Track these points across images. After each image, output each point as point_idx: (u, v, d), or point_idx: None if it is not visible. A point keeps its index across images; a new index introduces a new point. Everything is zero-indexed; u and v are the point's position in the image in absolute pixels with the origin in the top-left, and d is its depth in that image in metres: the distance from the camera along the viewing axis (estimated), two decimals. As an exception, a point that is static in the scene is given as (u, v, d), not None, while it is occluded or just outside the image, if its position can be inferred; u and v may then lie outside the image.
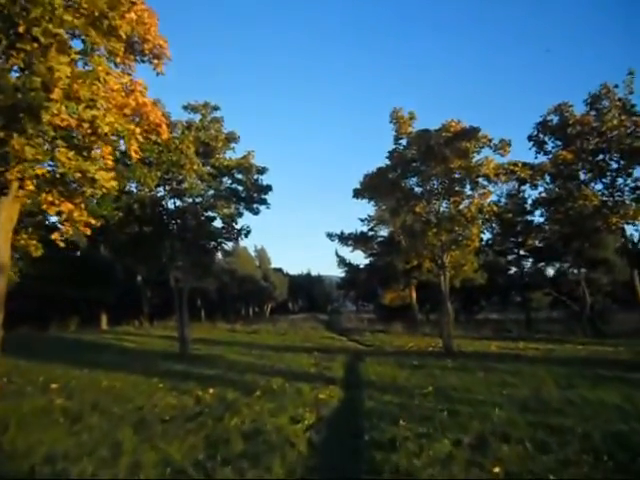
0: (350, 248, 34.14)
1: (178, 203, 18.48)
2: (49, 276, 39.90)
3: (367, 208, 46.72)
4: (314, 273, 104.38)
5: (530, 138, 19.35)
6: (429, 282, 35.66)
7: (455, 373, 13.01)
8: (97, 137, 8.09)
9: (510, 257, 35.18)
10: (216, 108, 19.31)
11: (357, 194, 18.75)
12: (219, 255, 68.10)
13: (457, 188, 17.21)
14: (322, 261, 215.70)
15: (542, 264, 33.90)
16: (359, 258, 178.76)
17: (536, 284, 34.63)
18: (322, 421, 7.79)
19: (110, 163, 8.58)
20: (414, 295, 31.79)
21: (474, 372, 12.99)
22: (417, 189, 18.43)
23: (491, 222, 18.13)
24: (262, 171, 19.53)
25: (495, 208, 17.46)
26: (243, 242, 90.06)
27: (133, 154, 8.97)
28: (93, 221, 9.22)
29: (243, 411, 8.18)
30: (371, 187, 18.42)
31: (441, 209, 17.69)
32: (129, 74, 10.08)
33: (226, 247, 19.73)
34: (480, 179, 17.37)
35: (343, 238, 33.20)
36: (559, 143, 18.86)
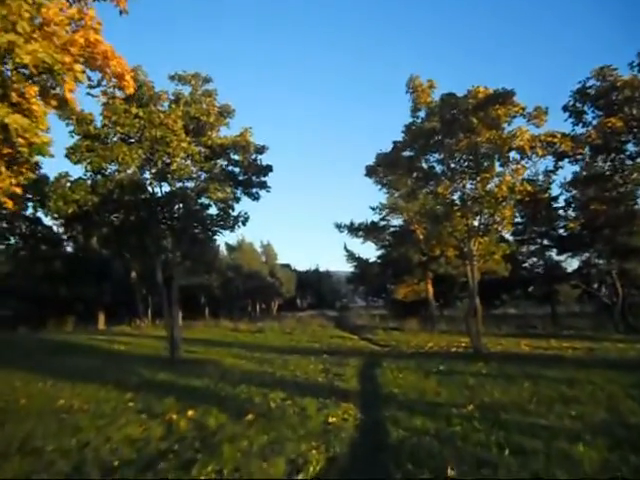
0: (360, 240, 31.77)
1: (166, 188, 16.23)
2: (42, 275, 38.04)
3: (379, 196, 43.99)
4: (322, 269, 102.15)
5: (566, 108, 16.87)
6: (445, 275, 33.31)
7: (494, 382, 10.66)
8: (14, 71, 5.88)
9: (533, 247, 32.61)
10: (207, 80, 17.04)
11: (370, 172, 16.40)
12: (223, 250, 66.61)
13: (486, 164, 14.82)
14: (331, 256, 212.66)
15: (568, 254, 31.31)
16: (369, 252, 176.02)
17: (562, 276, 32.11)
18: (334, 466, 5.49)
19: (37, 109, 6.34)
20: (430, 289, 29.36)
21: (517, 381, 10.63)
22: (438, 167, 16.08)
23: (524, 204, 15.67)
24: (261, 150, 17.24)
25: (529, 187, 15.06)
26: (249, 237, 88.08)
27: (68, 95, 6.71)
28: (18, 190, 6.97)
29: (224, 450, 5.89)
30: (386, 164, 16.06)
31: (467, 189, 15.34)
32: (79, 7, 7.77)
33: (221, 236, 17.43)
34: (512, 153, 15.01)
35: (353, 229, 30.81)
36: (600, 113, 16.44)
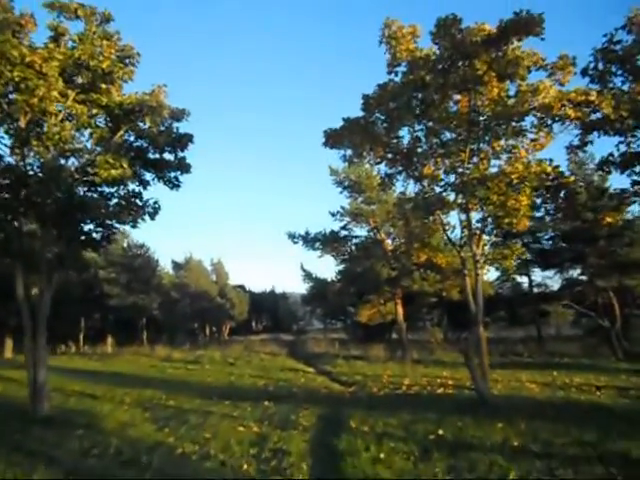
0: (318, 253, 26.93)
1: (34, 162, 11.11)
2: None
3: (340, 200, 39.33)
4: (279, 290, 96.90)
5: (585, 72, 12.68)
6: (415, 294, 28.86)
7: (550, 468, 6.08)
8: None
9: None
10: (108, 19, 12.17)
11: (330, 140, 11.71)
12: (166, 266, 60.51)
13: (500, 131, 10.42)
14: (288, 278, 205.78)
15: (555, 270, 27.54)
16: (329, 271, 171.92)
17: (551, 295, 28.23)
18: None
19: None
20: (400, 310, 24.78)
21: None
22: (423, 142, 11.60)
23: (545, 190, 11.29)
24: (178, 115, 12.42)
25: (549, 169, 10.76)
26: (197, 254, 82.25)
27: None
28: None
29: None
30: (351, 135, 11.38)
31: (467, 168, 10.89)
32: None
33: (118, 234, 12.22)
34: (526, 121, 10.76)
35: (309, 240, 25.99)
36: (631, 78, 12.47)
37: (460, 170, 10.97)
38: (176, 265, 60.97)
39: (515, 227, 10.84)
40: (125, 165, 11.04)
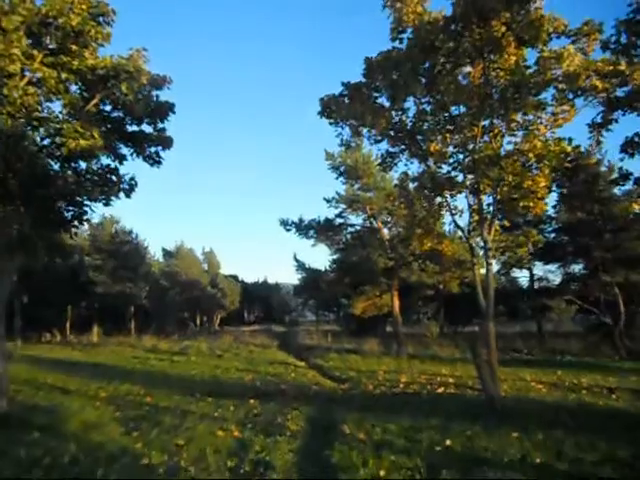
0: (311, 241, 25.74)
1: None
2: None
3: (335, 185, 37.93)
4: (272, 281, 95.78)
5: (606, 46, 11.50)
6: (411, 286, 27.81)
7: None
8: None
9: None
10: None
11: (328, 109, 10.51)
12: (155, 254, 59.07)
13: (514, 103, 9.27)
14: (281, 268, 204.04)
15: (558, 264, 26.52)
16: (322, 262, 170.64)
17: (553, 290, 27.22)
18: None
19: None
20: (397, 303, 23.65)
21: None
22: (430, 118, 10.44)
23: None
24: (158, 82, 11.19)
25: (569, 148, 9.66)
26: (188, 243, 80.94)
27: None
28: None
29: None
30: (352, 103, 10.15)
31: (478, 145, 9.76)
32: None
33: (93, 211, 10.96)
34: (545, 93, 9.63)
35: (302, 227, 24.80)
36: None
37: (471, 147, 9.84)
38: (166, 253, 59.67)
39: (532, 211, 9.75)
40: (96, 135, 9.84)
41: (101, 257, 38.16)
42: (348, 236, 26.05)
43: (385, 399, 11.66)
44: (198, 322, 65.45)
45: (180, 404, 10.93)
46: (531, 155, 9.25)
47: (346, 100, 10.30)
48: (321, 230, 24.73)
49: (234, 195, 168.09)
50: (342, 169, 23.52)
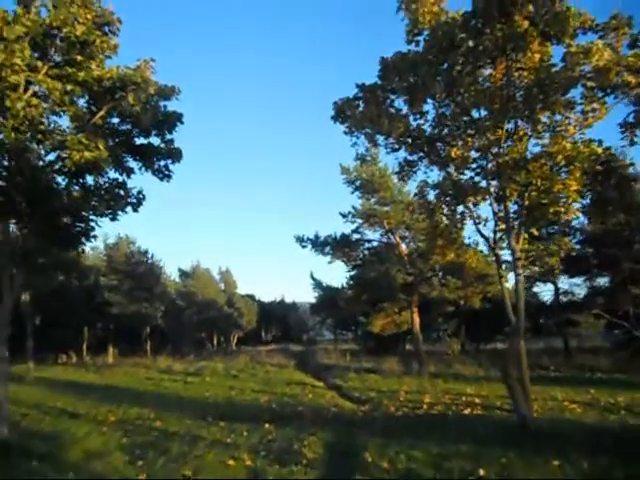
0: (328, 258, 25.16)
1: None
2: None
3: (351, 200, 37.27)
4: (289, 300, 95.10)
5: (634, 44, 10.81)
6: (431, 302, 26.92)
7: None
8: None
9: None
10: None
11: (342, 113, 9.97)
12: (171, 274, 58.93)
13: (540, 103, 8.66)
14: (298, 288, 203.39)
15: (583, 277, 25.56)
16: (339, 280, 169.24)
17: (579, 304, 26.19)
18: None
19: None
20: (417, 320, 22.81)
21: None
22: (450, 122, 9.88)
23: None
24: (167, 93, 10.83)
25: (600, 150, 9.01)
26: (205, 263, 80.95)
27: None
28: None
29: None
30: (367, 106, 9.59)
31: (502, 148, 9.14)
32: None
33: (99, 226, 10.54)
34: (572, 92, 9.03)
35: (318, 244, 24.30)
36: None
37: (494, 151, 9.24)
38: (183, 273, 59.53)
39: (563, 217, 9.08)
40: (101, 147, 9.46)
41: (117, 277, 37.99)
42: (365, 252, 25.35)
43: (408, 421, 10.95)
44: (215, 342, 64.97)
45: (191, 429, 10.35)
46: (560, 157, 8.63)
47: (361, 104, 9.79)
48: (337, 246, 24.12)
49: (250, 213, 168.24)
50: (358, 183, 23.00)
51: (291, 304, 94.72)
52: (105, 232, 45.06)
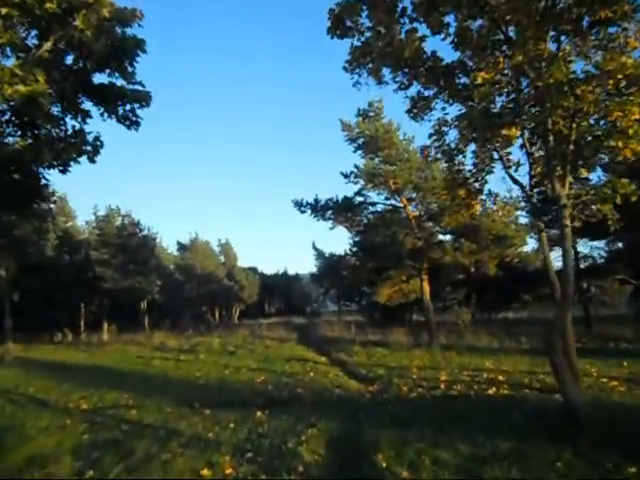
0: (329, 223, 23.28)
1: None
2: None
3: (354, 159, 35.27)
4: (292, 272, 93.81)
5: None
6: (441, 269, 25.16)
7: None
8: None
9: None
10: None
11: (340, 23, 7.98)
12: (168, 247, 57.26)
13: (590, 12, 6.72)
14: (300, 259, 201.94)
15: (605, 240, 23.71)
16: (342, 246, 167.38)
17: (602, 269, 24.42)
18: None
19: None
20: (427, 288, 21.04)
21: None
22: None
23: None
24: (126, 18, 8.86)
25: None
26: (204, 235, 79.50)
27: None
28: None
29: None
30: (373, 12, 7.54)
31: (543, 69, 7.22)
32: None
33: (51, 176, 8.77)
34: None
35: (318, 208, 22.42)
36: None
37: (533, 75, 7.33)
38: (181, 246, 57.87)
39: (621, 153, 7.23)
40: (41, 79, 7.56)
41: (109, 251, 36.30)
42: (369, 216, 23.37)
43: (425, 406, 9.30)
44: (217, 315, 63.81)
45: (169, 420, 8.74)
46: (620, 76, 6.73)
47: (365, 18, 7.77)
48: (339, 210, 22.19)
49: (250, 183, 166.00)
50: (360, 141, 20.99)
51: (294, 276, 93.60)
52: (95, 204, 43.29)
